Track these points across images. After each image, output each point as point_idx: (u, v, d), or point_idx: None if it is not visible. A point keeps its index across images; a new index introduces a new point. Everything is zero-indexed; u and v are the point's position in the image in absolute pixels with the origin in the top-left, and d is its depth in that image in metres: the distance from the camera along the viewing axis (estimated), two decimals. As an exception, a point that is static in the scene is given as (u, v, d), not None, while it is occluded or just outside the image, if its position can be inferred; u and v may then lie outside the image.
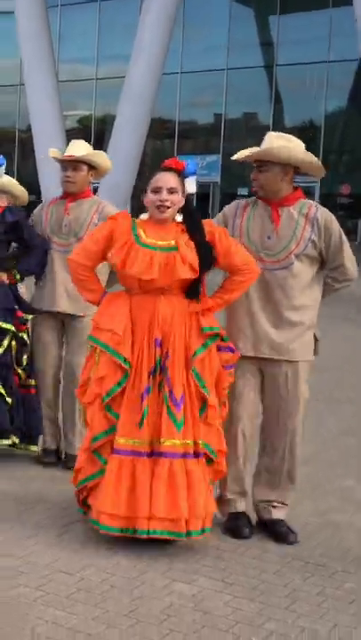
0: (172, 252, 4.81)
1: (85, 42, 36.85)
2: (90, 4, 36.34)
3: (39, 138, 27.79)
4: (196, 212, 5.08)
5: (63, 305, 6.12)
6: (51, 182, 28.13)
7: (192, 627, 3.95)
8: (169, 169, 4.93)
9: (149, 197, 4.90)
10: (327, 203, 30.45)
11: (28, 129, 30.34)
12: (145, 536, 4.68)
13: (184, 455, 4.77)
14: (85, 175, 6.16)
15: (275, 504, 5.18)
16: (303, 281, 5.05)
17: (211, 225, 4.99)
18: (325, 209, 5.13)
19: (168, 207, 4.86)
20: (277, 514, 5.17)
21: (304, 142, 5.15)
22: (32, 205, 6.57)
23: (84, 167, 6.13)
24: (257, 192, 5.13)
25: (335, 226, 5.08)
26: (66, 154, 6.14)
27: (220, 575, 4.51)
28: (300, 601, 4.27)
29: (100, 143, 33.16)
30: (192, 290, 4.89)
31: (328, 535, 5.18)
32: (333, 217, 5.12)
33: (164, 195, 4.84)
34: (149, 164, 33.36)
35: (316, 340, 5.19)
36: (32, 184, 32.04)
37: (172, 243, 4.84)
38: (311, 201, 5.20)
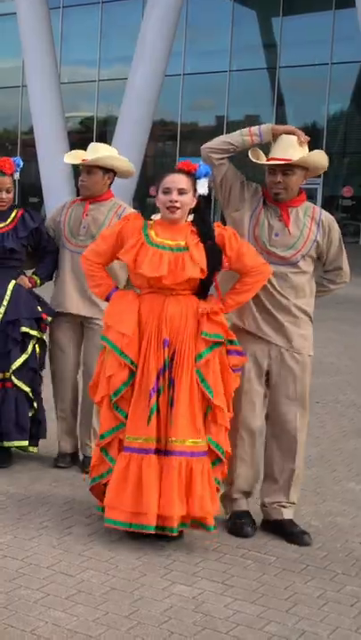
0: (181, 252, 4.85)
1: (88, 43, 36.81)
2: (92, 5, 36.31)
3: (41, 139, 27.79)
4: (207, 213, 5.09)
5: (75, 307, 6.12)
6: (52, 184, 28.24)
7: (192, 629, 3.94)
8: (180, 170, 4.96)
9: (160, 198, 4.92)
10: (330, 205, 30.51)
11: (30, 130, 30.33)
12: (152, 531, 4.75)
13: (192, 454, 4.80)
14: (100, 178, 6.07)
15: (284, 504, 5.18)
16: (304, 279, 5.13)
17: (220, 227, 5.00)
18: (327, 212, 5.23)
19: (178, 208, 4.88)
20: (288, 514, 5.17)
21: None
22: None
23: (98, 171, 6.05)
24: (278, 194, 5.09)
25: (336, 228, 5.20)
26: (82, 158, 6.11)
27: (220, 577, 4.51)
28: (301, 604, 4.26)
29: (102, 145, 33.12)
30: (201, 291, 4.92)
31: (330, 538, 5.17)
32: (334, 220, 5.23)
33: (174, 195, 4.86)
34: (152, 166, 33.41)
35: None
36: (34, 185, 32.12)
37: (182, 243, 4.87)
38: (313, 204, 5.28)
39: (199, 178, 4.98)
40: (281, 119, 32.90)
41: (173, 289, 4.87)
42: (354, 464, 6.70)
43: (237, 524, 5.15)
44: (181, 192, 4.87)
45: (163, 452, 4.82)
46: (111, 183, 6.20)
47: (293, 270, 5.08)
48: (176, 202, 4.87)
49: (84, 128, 37.83)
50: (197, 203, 4.99)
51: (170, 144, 35.27)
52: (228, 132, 5.28)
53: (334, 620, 4.11)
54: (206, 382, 4.83)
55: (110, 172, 6.13)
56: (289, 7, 32.57)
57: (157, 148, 35.26)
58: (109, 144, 6.45)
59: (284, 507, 5.19)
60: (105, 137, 33.78)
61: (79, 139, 33.92)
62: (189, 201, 4.92)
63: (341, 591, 4.44)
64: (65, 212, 6.23)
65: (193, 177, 4.96)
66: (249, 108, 34.47)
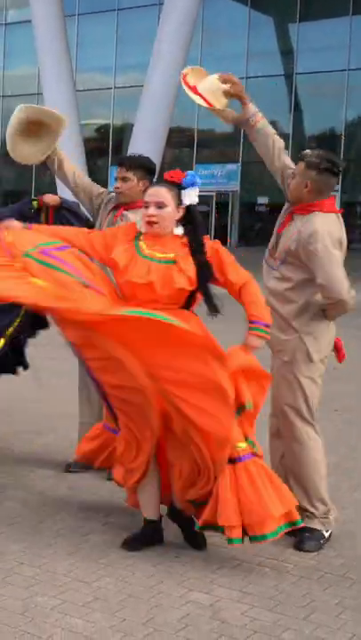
0: (169, 264, 4.75)
1: (103, 51, 36.93)
2: (108, 12, 36.45)
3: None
4: (198, 226, 4.96)
5: None
6: (67, 190, 28.21)
7: (209, 636, 3.94)
8: (163, 181, 4.90)
9: (142, 211, 4.89)
10: (348, 211, 30.45)
11: (47, 137, 30.43)
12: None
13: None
14: (135, 185, 5.98)
15: (307, 513, 5.12)
16: (286, 286, 5.11)
17: (211, 241, 4.90)
18: (321, 227, 5.00)
19: (155, 222, 4.81)
20: (306, 522, 5.07)
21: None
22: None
23: (133, 177, 6.01)
24: (286, 196, 5.27)
25: (314, 240, 4.96)
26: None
27: (237, 585, 4.50)
28: (318, 611, 4.25)
29: (118, 152, 33.22)
30: (189, 303, 4.82)
31: (347, 546, 5.15)
32: (321, 236, 4.97)
33: (151, 210, 4.80)
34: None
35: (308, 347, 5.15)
36: (49, 192, 32.04)
37: (171, 256, 4.77)
38: (321, 214, 5.08)
39: (185, 188, 4.86)
40: (298, 125, 32.92)
41: (161, 304, 4.70)
42: (371, 471, 6.68)
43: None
44: (160, 206, 4.79)
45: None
46: (145, 190, 6.20)
47: (277, 276, 5.14)
48: (153, 216, 4.79)
49: (99, 135, 37.91)
50: (190, 214, 4.90)
51: (187, 150, 35.30)
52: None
53: (351, 628, 4.09)
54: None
55: (145, 178, 6.06)
56: (306, 13, 32.60)
57: (174, 154, 35.30)
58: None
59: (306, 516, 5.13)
60: (121, 144, 33.85)
61: (95, 146, 34.02)
62: (170, 214, 4.82)
63: (359, 599, 4.41)
64: (107, 212, 6.22)
65: (178, 188, 4.85)
66: (266, 114, 34.33)
